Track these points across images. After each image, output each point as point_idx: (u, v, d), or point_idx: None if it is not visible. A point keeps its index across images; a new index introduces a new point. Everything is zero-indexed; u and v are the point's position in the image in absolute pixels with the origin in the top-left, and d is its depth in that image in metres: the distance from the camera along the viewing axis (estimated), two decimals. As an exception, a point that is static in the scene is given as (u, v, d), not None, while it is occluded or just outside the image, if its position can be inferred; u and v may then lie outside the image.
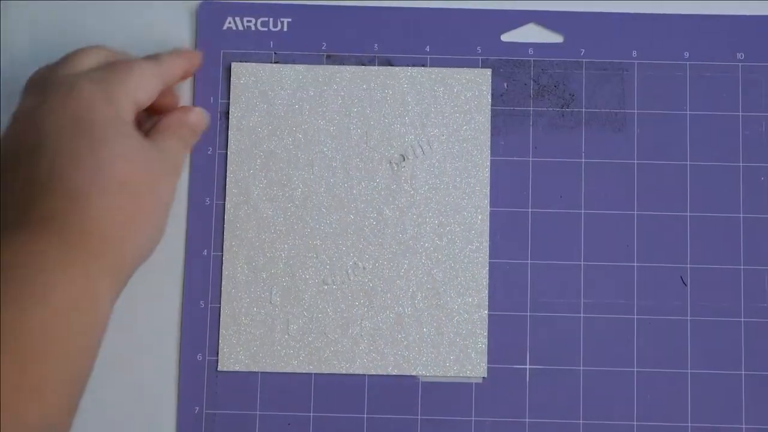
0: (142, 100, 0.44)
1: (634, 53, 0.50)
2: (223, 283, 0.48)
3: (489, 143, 0.49)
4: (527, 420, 0.47)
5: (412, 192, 0.49)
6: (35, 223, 0.39)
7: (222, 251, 0.48)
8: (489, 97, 0.49)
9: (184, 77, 0.48)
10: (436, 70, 0.50)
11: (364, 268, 0.48)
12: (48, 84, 0.43)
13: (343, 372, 0.47)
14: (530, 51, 0.50)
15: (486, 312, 0.48)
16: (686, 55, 0.50)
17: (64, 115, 0.41)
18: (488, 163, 0.49)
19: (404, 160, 0.49)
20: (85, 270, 0.39)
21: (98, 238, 0.39)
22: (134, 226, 0.41)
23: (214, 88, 0.50)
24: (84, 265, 0.39)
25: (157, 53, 0.47)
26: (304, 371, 0.47)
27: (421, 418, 0.47)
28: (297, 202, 0.49)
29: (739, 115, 0.49)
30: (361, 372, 0.47)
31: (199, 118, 0.47)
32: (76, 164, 0.39)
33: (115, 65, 0.44)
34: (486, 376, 0.47)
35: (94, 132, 0.40)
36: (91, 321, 0.39)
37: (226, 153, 0.49)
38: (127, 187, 0.40)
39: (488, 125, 0.49)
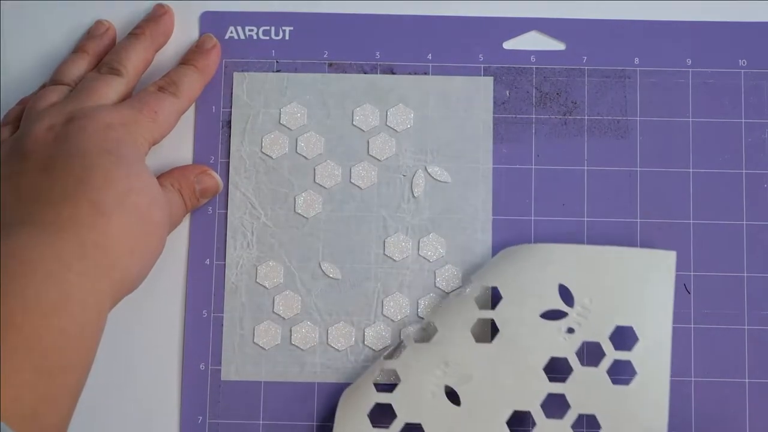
0: (162, 134, 0.47)
1: (637, 60, 0.50)
2: (225, 292, 0.48)
3: (491, 151, 0.49)
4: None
5: (414, 200, 0.49)
6: (55, 226, 0.40)
7: (224, 260, 0.48)
8: (491, 104, 0.49)
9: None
10: (438, 78, 0.50)
11: (366, 278, 0.48)
12: (75, 111, 0.44)
13: (347, 381, 0.47)
14: (532, 58, 0.50)
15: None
16: (689, 61, 0.50)
17: (97, 139, 0.43)
18: (490, 171, 0.49)
19: (406, 168, 0.49)
20: (94, 281, 0.39)
21: (109, 253, 0.40)
22: (139, 255, 0.42)
23: (216, 97, 0.50)
24: (94, 277, 0.40)
25: (171, 73, 0.48)
26: (307, 380, 0.47)
27: (424, 427, 0.47)
28: (299, 211, 0.49)
29: (741, 122, 0.49)
30: (364, 381, 0.47)
31: (213, 183, 0.48)
32: (108, 183, 0.41)
33: (141, 105, 0.45)
34: (489, 384, 0.47)
35: (123, 157, 0.43)
36: (97, 333, 0.40)
37: (228, 161, 0.49)
38: (144, 220, 0.42)
39: (490, 133, 0.49)
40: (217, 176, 0.48)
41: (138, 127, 0.45)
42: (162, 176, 0.47)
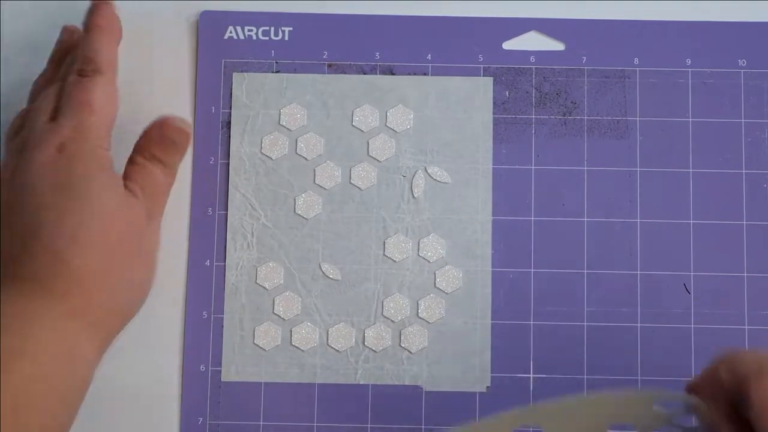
0: (111, 116, 0.43)
1: (636, 60, 0.50)
2: (225, 293, 0.48)
3: (491, 151, 0.49)
4: (531, 429, 0.47)
5: (414, 201, 0.49)
6: (21, 281, 0.39)
7: (224, 261, 0.48)
8: (491, 105, 0.49)
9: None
10: (437, 78, 0.50)
11: (366, 279, 0.48)
12: (25, 138, 0.42)
13: (347, 382, 0.47)
14: (532, 59, 0.50)
15: (489, 321, 0.48)
16: (688, 61, 0.50)
17: (45, 170, 0.41)
18: (490, 171, 0.49)
19: (406, 169, 0.49)
20: (68, 328, 0.39)
21: (80, 296, 0.39)
22: (115, 281, 0.41)
23: (215, 98, 0.50)
24: (66, 324, 0.39)
25: (82, 51, 0.44)
26: (307, 381, 0.47)
27: (424, 428, 0.47)
28: (299, 212, 0.49)
29: (741, 122, 0.49)
30: (363, 382, 0.47)
31: (176, 147, 0.45)
32: (58, 222, 0.39)
33: (73, 104, 0.42)
34: (490, 385, 0.47)
35: (75, 188, 0.40)
36: (73, 379, 0.39)
37: (228, 162, 0.49)
38: (108, 242, 0.40)
39: (490, 133, 0.49)
40: (181, 124, 0.44)
41: (85, 129, 0.41)
42: (125, 177, 0.44)
